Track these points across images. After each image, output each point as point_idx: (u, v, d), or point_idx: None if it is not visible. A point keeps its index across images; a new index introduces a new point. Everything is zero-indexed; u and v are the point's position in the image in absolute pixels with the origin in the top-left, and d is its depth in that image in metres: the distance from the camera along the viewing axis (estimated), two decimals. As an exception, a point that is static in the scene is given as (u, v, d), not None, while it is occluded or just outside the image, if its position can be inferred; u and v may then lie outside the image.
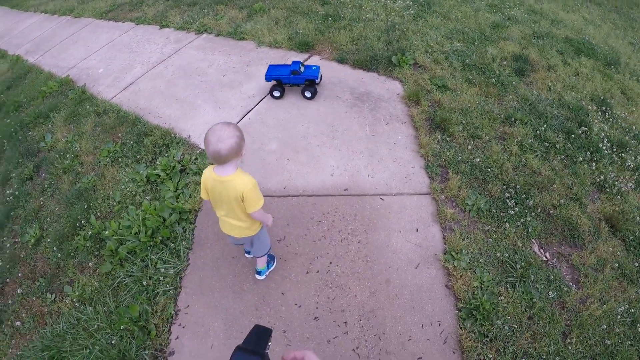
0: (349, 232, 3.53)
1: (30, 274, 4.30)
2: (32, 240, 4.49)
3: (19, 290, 4.19)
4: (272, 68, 5.09)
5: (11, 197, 5.20)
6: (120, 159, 4.76)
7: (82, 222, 4.30)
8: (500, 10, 6.75)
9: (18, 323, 3.92)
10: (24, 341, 3.79)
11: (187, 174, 4.30)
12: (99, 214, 4.30)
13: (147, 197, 4.19)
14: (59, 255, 4.19)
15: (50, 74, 7.74)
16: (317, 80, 5.02)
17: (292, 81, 5.00)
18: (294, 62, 4.95)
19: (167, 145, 4.68)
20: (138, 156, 4.68)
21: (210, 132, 2.31)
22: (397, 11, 6.48)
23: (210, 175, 2.53)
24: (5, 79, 8.92)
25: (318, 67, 4.99)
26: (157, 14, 8.73)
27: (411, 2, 6.77)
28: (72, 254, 4.14)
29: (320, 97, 4.95)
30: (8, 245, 4.73)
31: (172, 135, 4.81)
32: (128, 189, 4.34)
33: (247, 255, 3.55)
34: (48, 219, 4.63)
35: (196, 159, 4.43)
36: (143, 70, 6.51)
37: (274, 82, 5.13)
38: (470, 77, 5.05)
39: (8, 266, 4.47)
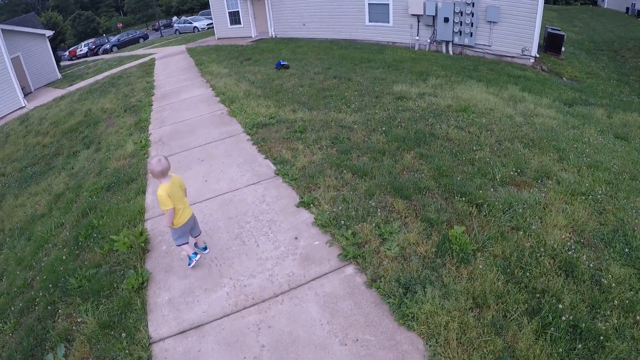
0: None
1: None
2: None
3: None
4: None
5: None
6: None
7: None
8: None
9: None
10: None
11: None
12: None
13: None
14: None
15: (143, 209, 5.72)
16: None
17: None
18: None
19: None
20: None
21: (155, 160, 3.83)
22: None
23: (169, 186, 3.85)
24: (116, 170, 7.37)
25: None
26: (306, 166, 5.99)
27: None
28: None
29: None
30: None
31: None
32: None
33: (204, 252, 4.48)
34: None
35: None
36: (234, 297, 3.94)
37: None
38: None
39: None
